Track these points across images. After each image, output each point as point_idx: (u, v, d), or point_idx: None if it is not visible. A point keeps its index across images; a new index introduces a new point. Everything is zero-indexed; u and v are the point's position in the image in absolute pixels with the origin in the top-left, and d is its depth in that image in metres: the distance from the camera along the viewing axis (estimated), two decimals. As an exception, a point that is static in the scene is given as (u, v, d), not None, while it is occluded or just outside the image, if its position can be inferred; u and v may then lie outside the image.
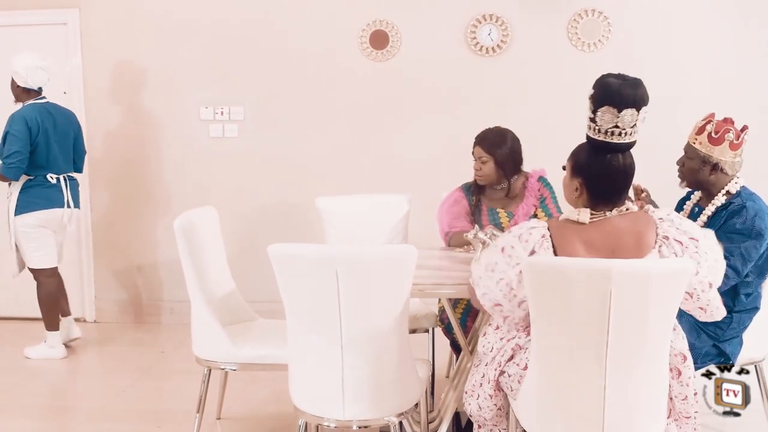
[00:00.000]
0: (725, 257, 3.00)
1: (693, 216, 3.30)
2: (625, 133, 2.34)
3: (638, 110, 2.33)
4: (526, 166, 3.75)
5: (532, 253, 2.33)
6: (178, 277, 3.47)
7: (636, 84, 2.35)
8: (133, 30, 5.57)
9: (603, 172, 2.37)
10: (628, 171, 2.39)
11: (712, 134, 3.10)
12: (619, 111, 2.31)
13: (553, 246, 2.34)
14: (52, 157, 4.79)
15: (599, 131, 2.35)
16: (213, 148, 5.59)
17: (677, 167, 3.30)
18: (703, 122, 3.17)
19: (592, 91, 2.37)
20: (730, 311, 3.10)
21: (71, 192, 4.89)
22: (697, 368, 2.64)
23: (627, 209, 2.39)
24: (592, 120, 2.36)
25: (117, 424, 3.84)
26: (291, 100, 5.49)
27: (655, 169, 3.50)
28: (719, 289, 2.45)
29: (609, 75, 2.38)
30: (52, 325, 4.89)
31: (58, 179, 4.82)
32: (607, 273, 2.12)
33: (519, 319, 2.45)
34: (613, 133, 2.34)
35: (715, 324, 3.06)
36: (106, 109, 5.66)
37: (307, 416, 2.77)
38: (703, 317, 2.43)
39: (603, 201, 2.38)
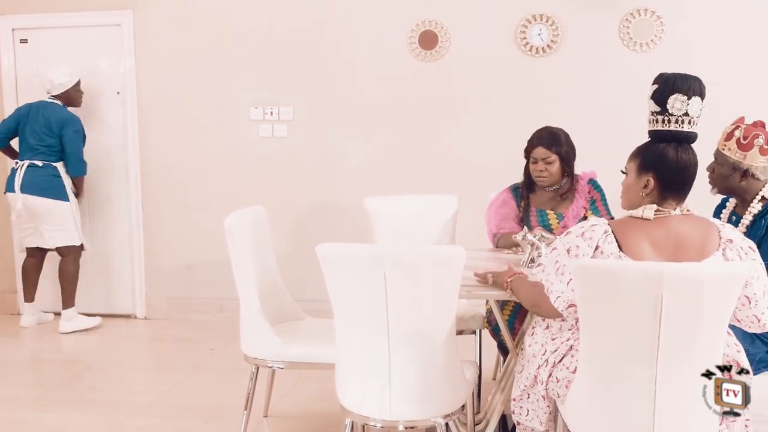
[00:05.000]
0: None
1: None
2: (693, 122, 2.39)
3: (702, 99, 2.39)
4: (576, 168, 3.70)
5: (597, 248, 2.33)
6: (228, 275, 3.51)
7: (695, 76, 2.42)
8: (186, 31, 5.64)
9: (675, 163, 2.38)
10: (696, 163, 2.40)
11: (741, 140, 3.04)
12: (689, 98, 2.37)
13: (617, 242, 2.33)
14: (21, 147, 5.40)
15: (669, 121, 2.39)
16: (262, 147, 5.64)
17: (707, 173, 3.24)
18: (732, 127, 3.11)
19: (655, 87, 2.42)
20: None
21: (24, 178, 5.28)
22: (750, 375, 2.58)
23: (688, 210, 2.39)
24: (661, 112, 2.40)
25: (166, 419, 3.89)
26: (340, 99, 5.52)
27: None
28: None
29: (665, 73, 2.44)
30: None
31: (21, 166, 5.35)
32: (659, 277, 2.09)
33: None
34: (683, 121, 2.38)
35: (770, 331, 3.00)
36: (158, 108, 5.75)
37: (353, 416, 2.77)
38: (753, 328, 2.38)
39: (673, 194, 2.39)
